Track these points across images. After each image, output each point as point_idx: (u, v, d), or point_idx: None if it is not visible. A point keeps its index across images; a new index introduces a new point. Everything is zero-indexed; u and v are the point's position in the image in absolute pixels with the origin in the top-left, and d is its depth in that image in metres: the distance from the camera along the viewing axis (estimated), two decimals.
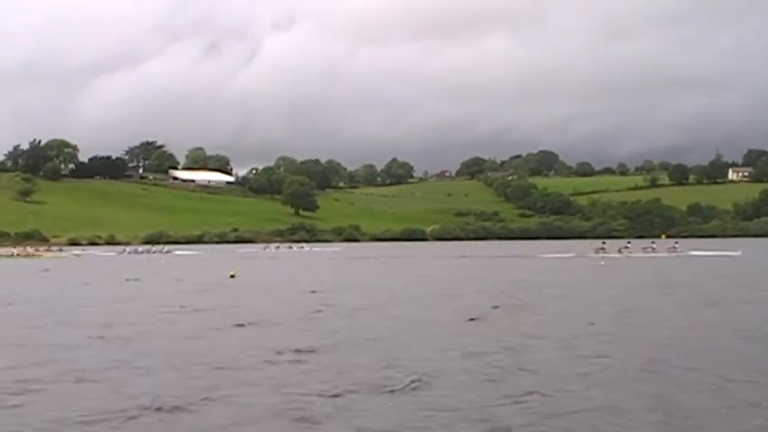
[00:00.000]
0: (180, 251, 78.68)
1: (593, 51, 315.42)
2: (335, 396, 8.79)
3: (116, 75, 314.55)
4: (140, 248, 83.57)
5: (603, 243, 58.89)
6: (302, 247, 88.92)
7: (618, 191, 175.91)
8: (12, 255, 67.60)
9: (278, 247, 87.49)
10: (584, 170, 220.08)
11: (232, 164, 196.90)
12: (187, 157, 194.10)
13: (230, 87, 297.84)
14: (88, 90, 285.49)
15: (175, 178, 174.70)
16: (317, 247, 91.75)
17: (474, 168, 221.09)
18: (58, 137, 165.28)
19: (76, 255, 73.05)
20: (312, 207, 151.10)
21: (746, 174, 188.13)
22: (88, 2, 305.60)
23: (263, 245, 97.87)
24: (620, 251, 53.95)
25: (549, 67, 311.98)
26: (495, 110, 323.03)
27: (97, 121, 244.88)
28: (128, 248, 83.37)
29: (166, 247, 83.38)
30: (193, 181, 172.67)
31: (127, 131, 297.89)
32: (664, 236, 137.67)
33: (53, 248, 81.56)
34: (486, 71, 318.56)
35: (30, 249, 74.57)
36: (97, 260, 62.77)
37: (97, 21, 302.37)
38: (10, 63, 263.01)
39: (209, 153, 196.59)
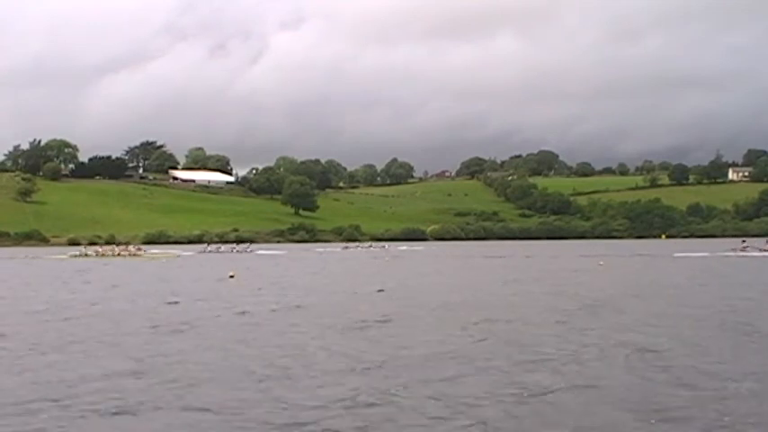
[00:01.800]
0: (262, 251, 75.70)
1: (600, 51, 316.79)
2: None
3: (121, 75, 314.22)
4: (222, 247, 79.97)
5: (744, 241, 58.77)
6: (384, 246, 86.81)
7: (618, 191, 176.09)
8: (115, 254, 62.60)
9: (370, 246, 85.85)
10: (584, 170, 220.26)
11: (235, 164, 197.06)
12: (187, 157, 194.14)
13: (236, 87, 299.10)
14: (93, 90, 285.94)
15: (175, 178, 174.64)
16: (403, 246, 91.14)
17: (474, 168, 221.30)
18: (63, 137, 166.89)
19: (154, 253, 67.42)
20: (312, 207, 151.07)
21: (746, 174, 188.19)
22: (96, 2, 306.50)
23: (344, 244, 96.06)
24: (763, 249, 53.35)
25: (555, 67, 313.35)
26: (500, 110, 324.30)
27: (102, 121, 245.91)
28: (209, 247, 78.78)
29: (250, 246, 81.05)
30: (193, 181, 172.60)
31: (131, 132, 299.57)
32: (664, 236, 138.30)
33: (142, 248, 73.91)
34: (493, 71, 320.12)
35: (133, 249, 68.18)
36: (213, 258, 59.77)
37: (105, 21, 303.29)
38: (16, 63, 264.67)
39: (209, 153, 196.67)
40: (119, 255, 62.65)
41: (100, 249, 67.55)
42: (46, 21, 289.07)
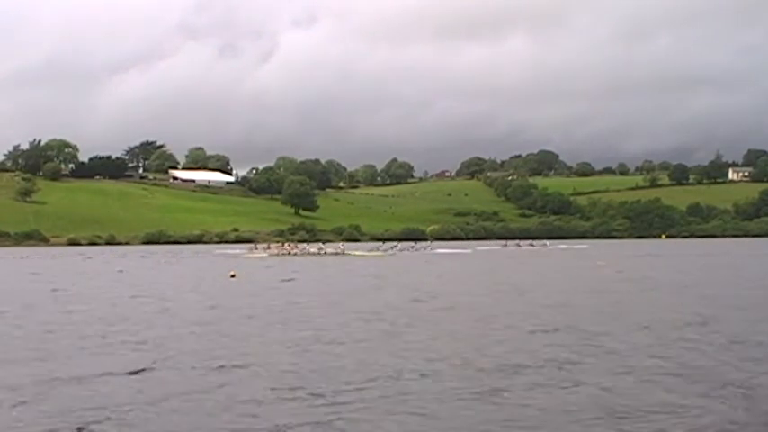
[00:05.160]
0: (441, 249, 73.66)
1: (609, 51, 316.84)
2: None
3: (130, 75, 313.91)
4: (399, 245, 77.72)
5: None
6: (531, 245, 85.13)
7: (618, 191, 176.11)
8: (322, 253, 61.54)
9: (518, 245, 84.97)
10: (585, 170, 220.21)
11: (238, 164, 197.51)
12: (187, 157, 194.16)
13: (244, 86, 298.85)
14: (101, 90, 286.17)
15: (175, 178, 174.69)
16: (563, 245, 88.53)
17: (474, 168, 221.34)
18: (68, 137, 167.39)
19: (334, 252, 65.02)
20: (312, 207, 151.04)
21: (746, 174, 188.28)
22: (109, 2, 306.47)
23: (502, 242, 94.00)
24: None
25: (565, 67, 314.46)
26: (509, 110, 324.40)
27: (108, 121, 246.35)
28: (383, 245, 76.48)
29: (430, 245, 79.12)
30: (193, 181, 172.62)
31: (137, 132, 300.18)
32: (664, 236, 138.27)
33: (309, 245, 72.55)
34: (502, 71, 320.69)
35: (310, 247, 67.03)
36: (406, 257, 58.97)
37: (117, 21, 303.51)
38: (27, 63, 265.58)
39: (209, 153, 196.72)
40: (325, 253, 62.13)
41: (298, 247, 65.38)
42: (59, 21, 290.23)
